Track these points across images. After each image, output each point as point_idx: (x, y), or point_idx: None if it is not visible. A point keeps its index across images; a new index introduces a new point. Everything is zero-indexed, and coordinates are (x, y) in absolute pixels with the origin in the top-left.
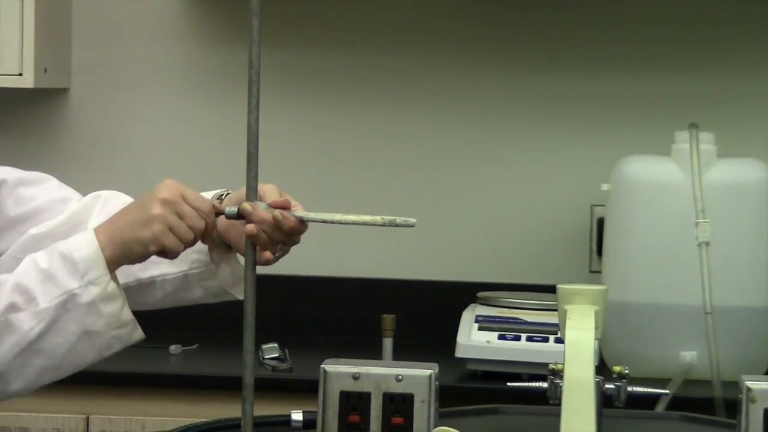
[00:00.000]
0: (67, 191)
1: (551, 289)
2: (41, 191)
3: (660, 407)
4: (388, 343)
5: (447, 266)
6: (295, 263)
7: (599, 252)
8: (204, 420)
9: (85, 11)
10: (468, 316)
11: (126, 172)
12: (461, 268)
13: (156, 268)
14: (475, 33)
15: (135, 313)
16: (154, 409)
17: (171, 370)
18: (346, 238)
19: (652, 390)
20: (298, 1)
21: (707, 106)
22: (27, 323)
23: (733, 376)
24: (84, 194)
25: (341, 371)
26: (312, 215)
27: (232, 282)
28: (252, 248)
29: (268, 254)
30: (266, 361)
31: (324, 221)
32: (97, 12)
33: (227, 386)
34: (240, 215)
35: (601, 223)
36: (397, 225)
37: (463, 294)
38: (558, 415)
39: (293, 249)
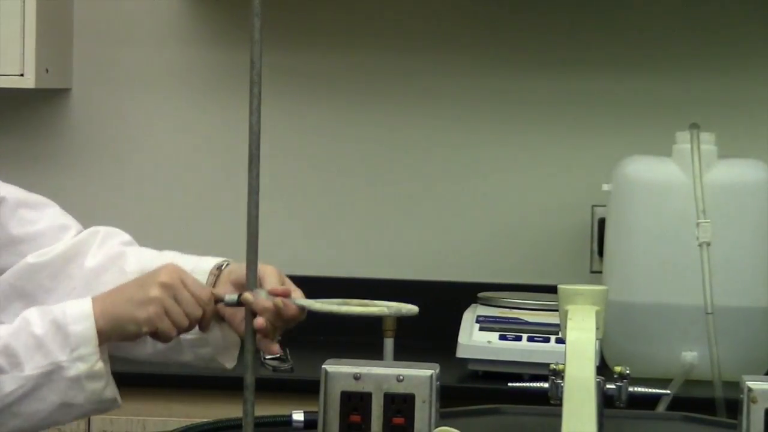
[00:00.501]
0: (68, 219)
1: (552, 290)
2: (43, 216)
3: (661, 407)
4: (389, 344)
5: (448, 266)
6: (296, 263)
7: (600, 252)
8: (205, 420)
9: (86, 11)
10: (469, 317)
11: (127, 172)
12: (462, 268)
13: None
14: (475, 34)
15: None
16: (156, 409)
17: (172, 370)
18: (347, 238)
19: (653, 390)
20: (299, 2)
21: (708, 107)
22: (9, 386)
23: (734, 377)
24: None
25: (342, 371)
26: (316, 306)
27: (223, 349)
28: (254, 249)
29: (275, 348)
30: (267, 362)
31: (330, 312)
32: (99, 12)
33: (228, 386)
34: (240, 303)
35: (602, 223)
36: (402, 315)
37: (464, 294)
38: (559, 416)
39: (295, 248)
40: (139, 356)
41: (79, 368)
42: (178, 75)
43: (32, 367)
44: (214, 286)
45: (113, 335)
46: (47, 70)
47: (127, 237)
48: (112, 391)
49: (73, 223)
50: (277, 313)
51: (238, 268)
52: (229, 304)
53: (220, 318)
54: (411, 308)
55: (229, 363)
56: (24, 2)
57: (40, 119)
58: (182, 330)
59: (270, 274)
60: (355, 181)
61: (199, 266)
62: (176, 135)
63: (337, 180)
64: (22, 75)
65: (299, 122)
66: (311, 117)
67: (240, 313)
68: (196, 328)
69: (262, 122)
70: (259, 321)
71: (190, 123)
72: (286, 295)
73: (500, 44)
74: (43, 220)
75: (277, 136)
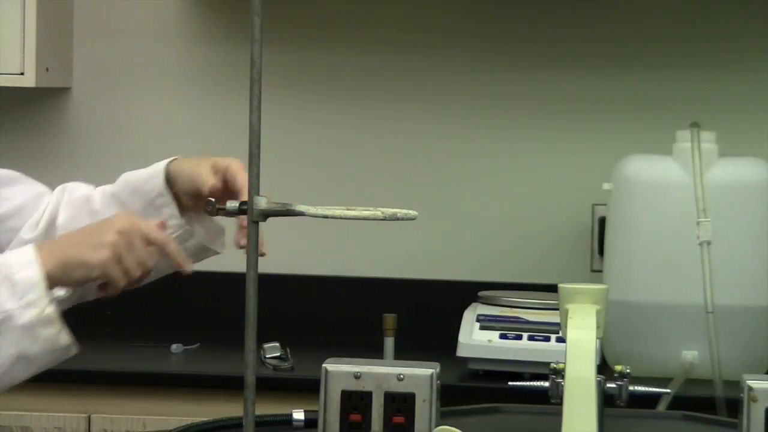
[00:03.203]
0: (39, 187)
1: (553, 289)
2: (18, 189)
3: (661, 406)
4: (389, 343)
5: (448, 265)
6: (296, 262)
7: (601, 251)
8: (205, 419)
9: (86, 10)
10: (469, 316)
11: (127, 171)
12: (463, 267)
13: None
14: (477, 32)
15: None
16: (156, 408)
17: (172, 369)
18: (348, 237)
19: (654, 389)
20: (299, 0)
21: (709, 106)
22: None
23: (734, 376)
24: None
25: (343, 370)
26: (313, 210)
27: (210, 238)
28: (254, 250)
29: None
30: (268, 361)
31: (325, 216)
32: (99, 11)
33: (229, 385)
34: (242, 211)
35: (602, 222)
36: (398, 219)
37: (465, 293)
38: (559, 415)
39: (296, 248)
40: None
41: (29, 314)
42: (179, 74)
43: None
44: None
45: (62, 279)
46: (47, 69)
47: (90, 189)
48: (65, 336)
49: (44, 189)
50: None
51: (187, 163)
52: (231, 212)
53: (196, 211)
54: (407, 213)
55: (220, 247)
56: (24, 1)
57: (40, 118)
58: (132, 281)
59: (240, 171)
60: (354, 179)
61: (150, 171)
62: (176, 134)
63: (337, 178)
64: (22, 74)
65: (300, 121)
66: (312, 115)
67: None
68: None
69: (263, 120)
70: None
71: (190, 122)
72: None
73: (502, 43)
74: (20, 194)
75: (278, 135)
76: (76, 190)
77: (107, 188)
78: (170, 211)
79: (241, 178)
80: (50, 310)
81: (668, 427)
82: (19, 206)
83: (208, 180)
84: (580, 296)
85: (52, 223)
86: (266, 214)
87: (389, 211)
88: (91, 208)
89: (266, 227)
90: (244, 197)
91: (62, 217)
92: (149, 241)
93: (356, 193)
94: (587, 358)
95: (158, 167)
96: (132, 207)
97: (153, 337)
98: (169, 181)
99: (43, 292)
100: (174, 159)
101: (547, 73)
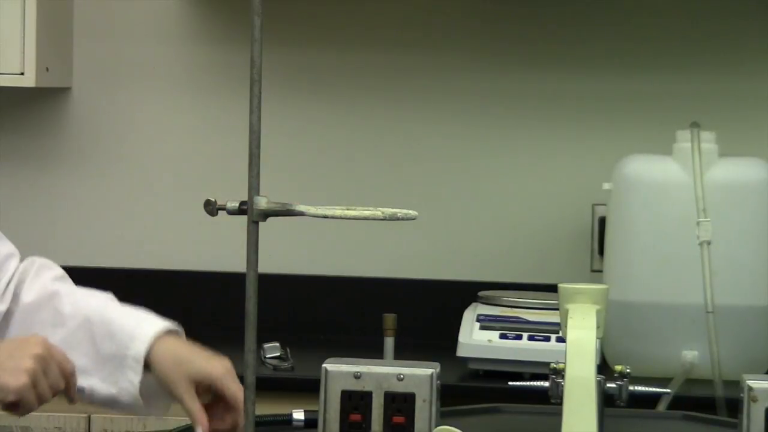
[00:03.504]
0: (8, 247)
1: (553, 288)
2: None
3: (661, 406)
4: (389, 342)
5: (448, 265)
6: (296, 262)
7: (601, 251)
8: None
9: (86, 10)
10: (469, 315)
11: (127, 171)
12: (463, 267)
13: (85, 379)
14: (476, 31)
15: None
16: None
17: None
18: (348, 237)
19: (654, 389)
20: (299, 0)
21: (709, 105)
22: None
23: (734, 376)
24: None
25: (342, 370)
26: (312, 210)
27: (147, 405)
28: (254, 250)
29: None
30: (268, 361)
31: (325, 216)
32: (99, 11)
33: None
34: None
35: (602, 222)
36: (398, 219)
37: (465, 293)
38: (559, 415)
39: (296, 248)
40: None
41: None
42: (179, 74)
43: None
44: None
45: None
46: (47, 69)
47: (60, 271)
48: None
49: (13, 250)
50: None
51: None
52: (231, 212)
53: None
54: (407, 212)
55: (158, 412)
56: (24, 1)
57: (40, 118)
58: (44, 402)
59: (227, 380)
60: (354, 180)
61: (138, 330)
62: (176, 134)
63: (338, 179)
64: (22, 74)
65: (300, 121)
66: (312, 115)
67: None
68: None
69: (263, 120)
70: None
71: (190, 121)
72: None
73: (501, 43)
74: None
75: (278, 135)
76: (44, 270)
77: (80, 299)
78: (134, 380)
79: (229, 387)
80: None
81: (668, 427)
82: None
83: (188, 401)
84: (580, 296)
85: (16, 298)
86: (266, 214)
87: (389, 211)
88: (56, 307)
89: (266, 226)
90: (240, 406)
91: (26, 296)
92: (62, 370)
93: (356, 193)
94: (587, 358)
95: (146, 333)
96: (100, 346)
97: None
98: (148, 360)
99: None
100: (162, 335)
101: (547, 72)
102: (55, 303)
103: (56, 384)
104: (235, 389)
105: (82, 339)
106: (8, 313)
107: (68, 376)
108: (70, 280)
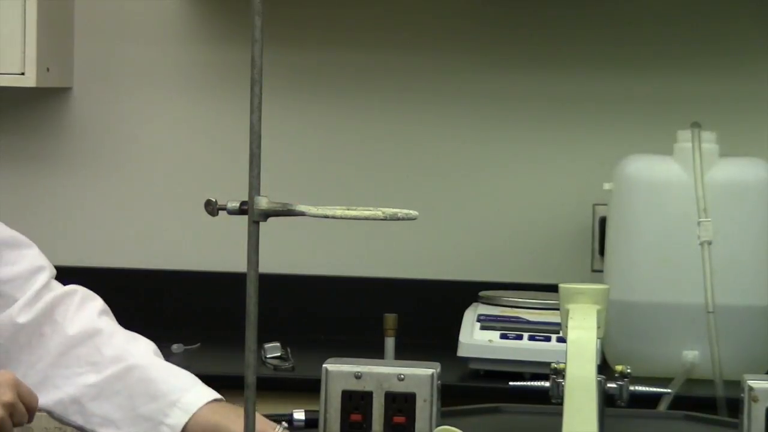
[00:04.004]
0: (43, 261)
1: (553, 289)
2: (21, 257)
3: (662, 406)
4: (390, 343)
5: (449, 265)
6: (297, 262)
7: (601, 251)
8: None
9: (87, 10)
10: (470, 315)
11: (128, 171)
12: (463, 267)
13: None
14: (477, 32)
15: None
16: None
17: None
18: (348, 237)
19: (655, 389)
20: (300, 0)
21: (710, 106)
22: None
23: (735, 376)
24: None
25: (343, 370)
26: (313, 210)
27: None
28: (255, 250)
29: None
30: (268, 361)
31: (325, 216)
32: (100, 11)
33: (229, 385)
34: None
35: (603, 222)
36: (398, 219)
37: (465, 293)
38: (560, 415)
39: (296, 248)
40: None
41: None
42: (179, 74)
43: None
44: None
45: None
46: (48, 69)
47: (102, 304)
48: None
49: (47, 264)
50: None
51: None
52: (232, 212)
53: None
54: (408, 212)
55: None
56: (25, 1)
57: (40, 118)
58: None
59: None
60: (355, 180)
61: (183, 400)
62: (177, 134)
63: (338, 179)
64: (22, 74)
65: (301, 121)
66: (313, 115)
67: None
68: None
69: (263, 120)
70: None
71: (191, 122)
72: None
73: (502, 44)
74: (21, 261)
75: (279, 135)
76: (87, 303)
77: (122, 343)
78: None
79: None
80: None
81: (669, 427)
82: (16, 275)
83: None
84: (580, 296)
85: (55, 323)
86: (267, 214)
87: (390, 211)
88: (98, 346)
89: (266, 226)
90: None
91: (70, 329)
92: (28, 409)
93: (357, 193)
94: (588, 358)
95: (190, 403)
96: (137, 403)
97: (154, 337)
98: (185, 430)
99: None
100: (205, 408)
101: (548, 73)
102: (97, 342)
103: (20, 421)
104: None
105: (120, 390)
106: (42, 335)
107: (32, 411)
108: (111, 315)
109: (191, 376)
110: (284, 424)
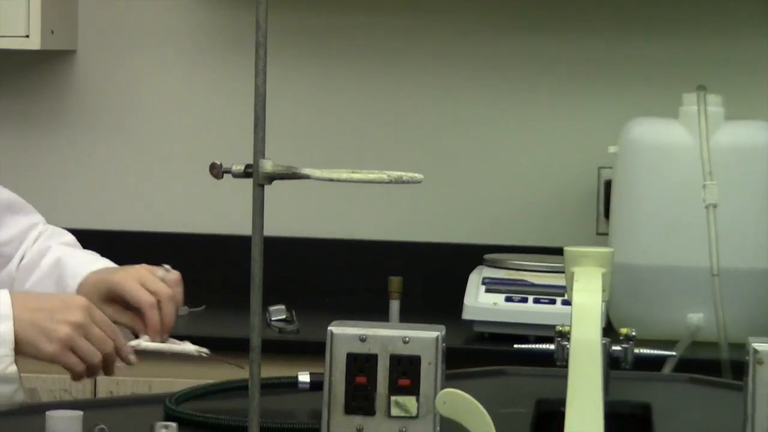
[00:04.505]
0: (36, 216)
1: (558, 251)
2: (18, 220)
3: (667, 369)
4: (395, 305)
5: (454, 228)
6: (302, 225)
7: (606, 214)
8: (211, 381)
9: None
10: (475, 278)
11: (133, 134)
12: (468, 230)
13: None
14: None
15: None
16: (162, 370)
17: (178, 332)
18: (354, 200)
19: (659, 352)
20: None
21: (715, 69)
22: None
23: (739, 338)
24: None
25: (348, 333)
26: (318, 173)
27: None
28: (260, 213)
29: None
30: (273, 323)
31: (330, 179)
32: None
33: (234, 348)
34: None
35: (608, 185)
36: (403, 182)
37: (470, 256)
38: (564, 377)
39: (301, 211)
40: None
41: None
42: (184, 37)
43: None
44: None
45: (22, 349)
46: (52, 32)
47: (71, 237)
48: (21, 395)
49: (39, 219)
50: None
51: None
52: (237, 175)
53: None
54: (413, 176)
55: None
56: None
57: (45, 81)
58: (93, 366)
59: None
60: (360, 142)
61: (79, 269)
62: (181, 97)
63: (343, 141)
64: (27, 36)
65: (306, 83)
66: (317, 78)
67: None
68: None
69: (268, 83)
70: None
71: (195, 84)
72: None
73: (506, 6)
74: (18, 223)
75: (284, 97)
76: (55, 236)
77: (60, 250)
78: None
79: (127, 289)
80: (13, 369)
81: (674, 390)
82: (13, 237)
83: (112, 314)
84: (585, 259)
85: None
86: (271, 177)
87: (395, 174)
88: (42, 257)
89: (272, 189)
90: (141, 304)
91: (25, 258)
92: (107, 333)
93: (361, 156)
94: (593, 321)
95: (82, 272)
96: (60, 290)
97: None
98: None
99: (10, 350)
100: (93, 272)
101: (553, 36)
102: (44, 256)
103: (101, 347)
104: (131, 288)
105: (49, 286)
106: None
107: (113, 338)
108: (79, 246)
109: (95, 258)
110: (166, 266)
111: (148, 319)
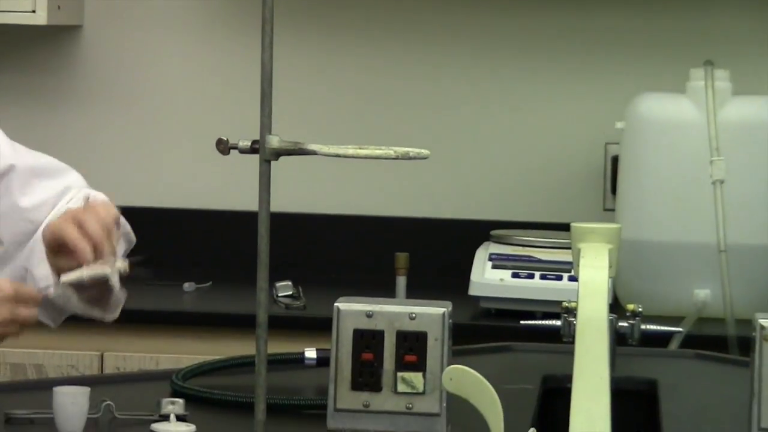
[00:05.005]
0: (71, 178)
1: (565, 227)
2: (53, 185)
3: (673, 345)
4: (401, 281)
5: (461, 204)
6: (309, 201)
7: (613, 190)
8: (218, 357)
9: None
10: (482, 254)
11: (138, 109)
12: (475, 206)
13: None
14: None
15: None
16: (168, 346)
17: (185, 307)
18: (360, 176)
19: (666, 328)
20: None
21: (723, 44)
22: None
23: (746, 314)
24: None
25: (355, 309)
26: (325, 149)
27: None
28: (266, 189)
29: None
30: (280, 299)
31: (337, 155)
32: None
33: (241, 324)
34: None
35: (615, 161)
36: (410, 158)
37: (477, 232)
38: (571, 353)
39: (308, 187)
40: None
41: None
42: (191, 12)
43: None
44: None
45: None
46: (59, 7)
47: (104, 198)
48: None
49: (73, 181)
50: None
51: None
52: (243, 150)
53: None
54: (419, 151)
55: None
56: None
57: (51, 56)
58: (8, 333)
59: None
60: (367, 118)
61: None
62: (188, 72)
63: (350, 117)
64: (33, 12)
65: (312, 60)
66: (324, 54)
67: None
68: None
69: (275, 59)
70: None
71: (202, 60)
72: None
73: None
74: (52, 188)
75: (291, 74)
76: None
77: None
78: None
79: (62, 232)
80: None
81: (680, 366)
82: (42, 201)
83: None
84: (592, 235)
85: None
86: (278, 153)
87: (401, 150)
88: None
89: (278, 165)
90: (75, 245)
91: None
92: (18, 299)
93: (368, 132)
94: (599, 297)
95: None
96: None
97: (165, 276)
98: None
99: None
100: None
101: (560, 11)
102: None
103: (25, 319)
104: (64, 229)
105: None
106: None
107: (37, 304)
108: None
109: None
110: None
111: (78, 253)
